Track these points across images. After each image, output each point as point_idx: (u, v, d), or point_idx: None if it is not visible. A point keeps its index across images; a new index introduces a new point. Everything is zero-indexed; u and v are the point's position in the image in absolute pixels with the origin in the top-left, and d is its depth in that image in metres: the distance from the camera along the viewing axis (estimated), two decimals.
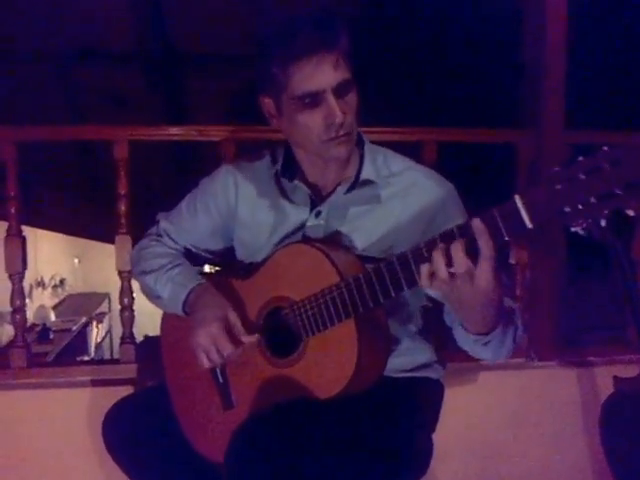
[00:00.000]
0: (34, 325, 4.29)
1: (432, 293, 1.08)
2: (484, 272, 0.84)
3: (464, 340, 1.01)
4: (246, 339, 1.07)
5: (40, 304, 4.69)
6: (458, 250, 0.84)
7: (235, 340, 1.06)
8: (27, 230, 1.70)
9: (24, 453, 1.64)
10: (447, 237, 0.87)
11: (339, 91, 1.02)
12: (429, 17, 2.79)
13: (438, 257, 0.85)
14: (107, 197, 1.82)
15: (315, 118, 1.03)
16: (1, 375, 1.66)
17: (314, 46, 0.99)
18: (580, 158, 0.77)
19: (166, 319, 1.24)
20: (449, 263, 0.85)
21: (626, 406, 1.38)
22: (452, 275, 0.85)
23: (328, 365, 1.00)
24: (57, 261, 5.35)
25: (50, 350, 4.13)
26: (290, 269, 1.06)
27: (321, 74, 1.00)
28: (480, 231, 0.83)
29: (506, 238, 0.83)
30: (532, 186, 0.82)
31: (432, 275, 0.87)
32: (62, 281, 5.46)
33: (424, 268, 0.87)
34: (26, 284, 1.72)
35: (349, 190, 1.12)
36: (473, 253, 0.84)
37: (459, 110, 2.64)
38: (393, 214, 1.10)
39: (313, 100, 1.02)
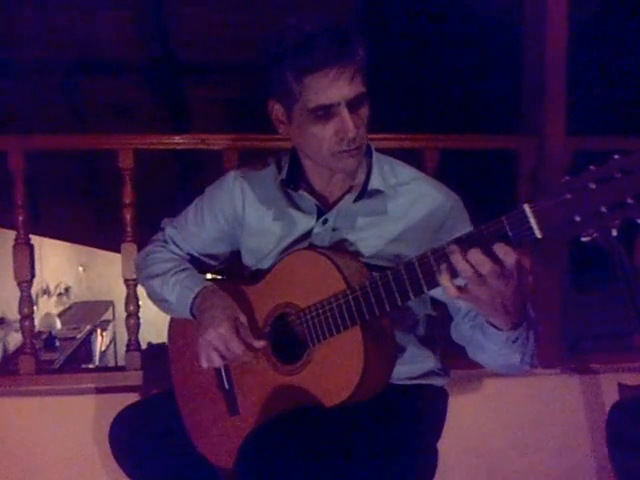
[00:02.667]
0: (40, 333, 4.31)
1: (446, 299, 1.07)
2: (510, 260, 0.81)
3: (493, 342, 0.95)
4: (255, 344, 1.07)
5: (46, 312, 4.71)
6: (477, 252, 0.81)
7: (244, 341, 1.06)
8: (32, 238, 1.71)
9: (31, 459, 1.65)
10: (456, 244, 0.86)
11: (353, 105, 1.01)
12: (429, 23, 2.79)
13: (461, 265, 0.82)
14: (112, 205, 1.84)
15: (327, 131, 1.02)
16: (9, 382, 1.67)
17: (332, 59, 0.98)
18: (591, 167, 0.76)
19: (174, 325, 1.25)
20: (471, 266, 0.82)
21: (632, 414, 1.37)
22: (480, 275, 0.82)
23: (334, 373, 1.01)
24: (62, 269, 5.37)
25: (56, 358, 4.15)
26: (297, 276, 1.07)
27: (337, 88, 0.99)
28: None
29: (515, 248, 0.82)
30: (541, 195, 0.81)
31: (460, 287, 0.84)
32: (67, 289, 5.48)
33: (449, 283, 0.84)
34: (32, 292, 1.73)
35: (357, 199, 1.12)
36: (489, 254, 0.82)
37: (460, 117, 2.65)
38: (400, 224, 1.10)
39: (326, 113, 1.01)
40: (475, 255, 0.82)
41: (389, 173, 1.14)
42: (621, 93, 2.73)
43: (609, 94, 2.71)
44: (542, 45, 1.74)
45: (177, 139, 1.74)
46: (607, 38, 2.63)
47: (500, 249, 0.81)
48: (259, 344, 1.07)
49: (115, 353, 5.60)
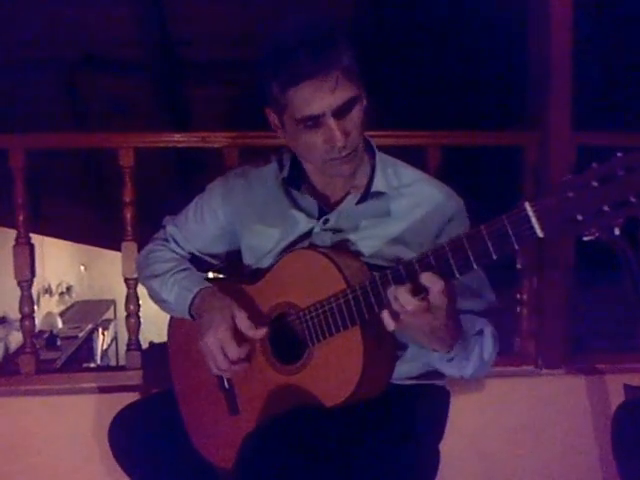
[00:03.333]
0: (41, 332, 4.31)
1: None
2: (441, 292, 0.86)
3: (433, 359, 1.01)
4: (254, 333, 1.05)
5: (47, 311, 4.71)
6: (404, 292, 0.86)
7: (243, 342, 1.06)
8: (34, 238, 1.71)
9: (31, 458, 1.64)
10: (455, 245, 0.86)
11: (340, 112, 1.00)
12: (433, 19, 2.78)
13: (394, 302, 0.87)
14: (113, 204, 1.83)
15: (316, 140, 1.02)
16: (10, 381, 1.67)
17: (312, 70, 0.97)
18: (593, 165, 0.75)
19: (173, 325, 1.24)
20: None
21: (638, 415, 1.36)
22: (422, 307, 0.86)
23: (334, 373, 1.00)
24: (64, 268, 5.37)
25: (58, 357, 4.15)
26: (296, 275, 1.06)
27: (319, 99, 0.98)
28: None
29: (516, 247, 0.82)
30: (543, 193, 0.80)
31: (396, 315, 0.88)
32: (69, 288, 5.49)
33: (385, 313, 0.88)
34: (34, 291, 1.73)
35: (360, 201, 1.11)
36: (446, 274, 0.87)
37: (464, 113, 2.63)
38: (401, 225, 1.10)
39: (314, 123, 1.01)
40: (402, 295, 0.86)
41: (392, 175, 1.14)
42: (627, 88, 2.71)
43: (614, 89, 2.69)
44: (546, 39, 1.71)
45: (177, 137, 1.74)
46: (613, 31, 2.60)
47: (427, 279, 0.85)
48: (259, 333, 1.05)
49: (117, 352, 5.60)
